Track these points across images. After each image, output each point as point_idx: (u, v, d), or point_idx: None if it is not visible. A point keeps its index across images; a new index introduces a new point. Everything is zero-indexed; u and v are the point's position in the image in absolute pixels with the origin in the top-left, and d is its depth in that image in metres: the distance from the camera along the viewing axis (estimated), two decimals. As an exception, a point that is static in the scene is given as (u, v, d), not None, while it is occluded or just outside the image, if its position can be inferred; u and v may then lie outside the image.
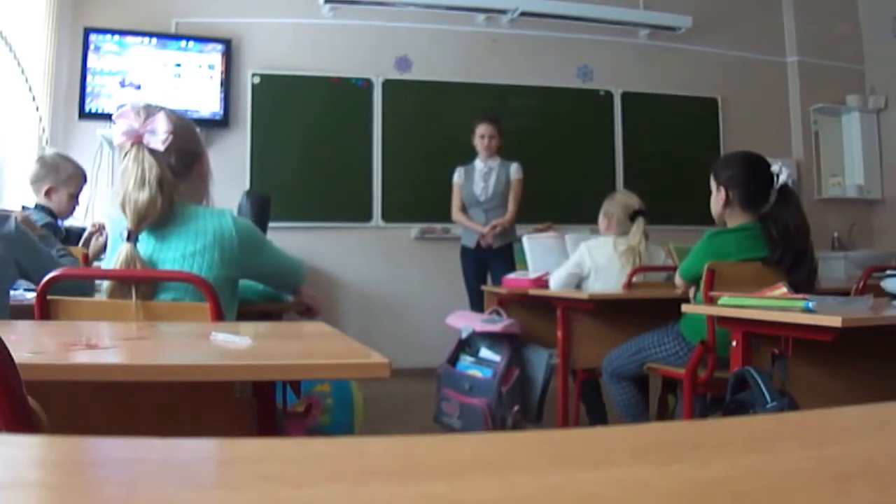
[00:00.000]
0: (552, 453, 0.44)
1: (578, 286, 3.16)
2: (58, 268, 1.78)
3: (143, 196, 1.62)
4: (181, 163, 1.72)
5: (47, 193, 2.80)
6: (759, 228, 2.46)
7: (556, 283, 3.15)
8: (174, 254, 1.64)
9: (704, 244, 2.57)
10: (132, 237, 1.64)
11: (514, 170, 4.34)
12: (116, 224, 1.69)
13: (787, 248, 2.40)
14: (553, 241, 3.67)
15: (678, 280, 2.69)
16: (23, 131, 4.24)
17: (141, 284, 1.63)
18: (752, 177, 2.50)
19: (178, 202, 1.69)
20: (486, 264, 4.32)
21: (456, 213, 4.45)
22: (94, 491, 0.35)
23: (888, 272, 2.34)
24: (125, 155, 1.67)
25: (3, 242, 1.77)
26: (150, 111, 1.68)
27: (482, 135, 4.31)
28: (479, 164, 4.38)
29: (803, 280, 2.35)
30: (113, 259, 1.66)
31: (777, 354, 1.94)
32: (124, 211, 1.64)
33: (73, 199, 2.87)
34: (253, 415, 1.20)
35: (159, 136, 1.64)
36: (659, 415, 3.14)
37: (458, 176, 4.43)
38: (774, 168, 2.46)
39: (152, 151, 1.65)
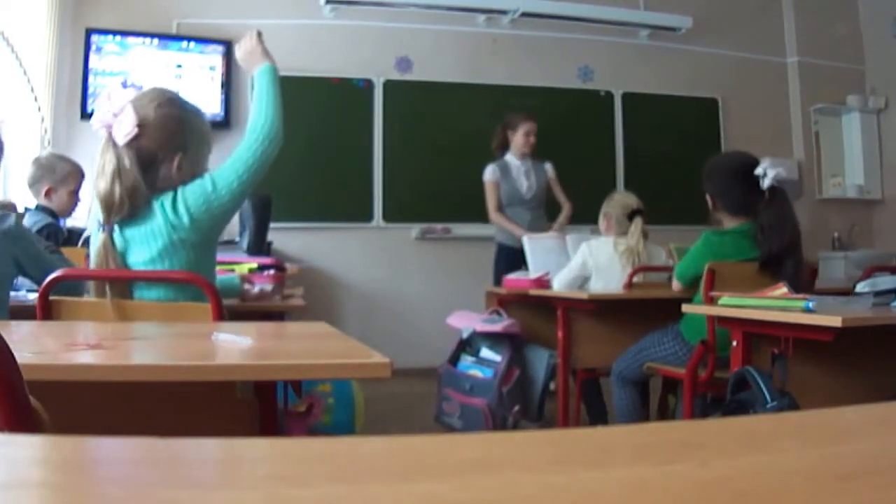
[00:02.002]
0: (553, 453, 0.44)
1: (581, 286, 3.16)
2: (57, 266, 1.80)
3: (102, 186, 1.63)
4: (142, 160, 1.67)
5: (47, 194, 2.81)
6: (755, 229, 2.47)
7: (561, 285, 3.15)
8: (141, 257, 1.65)
9: (701, 246, 2.57)
10: (105, 228, 1.65)
11: (550, 169, 4.34)
12: (97, 212, 1.70)
13: (770, 247, 2.42)
14: (553, 242, 3.67)
15: (674, 283, 2.69)
16: (25, 132, 4.24)
17: (118, 282, 1.64)
18: (733, 184, 2.51)
19: (153, 194, 1.67)
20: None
21: (496, 214, 4.26)
22: (95, 491, 0.35)
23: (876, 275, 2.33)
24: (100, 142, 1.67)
25: (1, 238, 1.78)
26: (124, 98, 1.65)
27: (527, 132, 4.22)
28: (514, 161, 4.27)
29: (789, 276, 2.36)
30: (92, 250, 1.67)
31: (777, 354, 1.94)
32: (97, 201, 1.65)
33: (74, 196, 2.88)
34: (254, 414, 1.20)
35: (122, 129, 1.62)
36: (659, 415, 3.14)
37: (494, 173, 4.25)
38: (758, 170, 2.45)
39: (115, 143, 1.64)
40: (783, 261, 2.42)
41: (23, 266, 1.85)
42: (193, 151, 1.77)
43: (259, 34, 1.94)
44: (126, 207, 1.63)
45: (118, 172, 1.62)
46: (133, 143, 1.64)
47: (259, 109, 1.82)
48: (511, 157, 4.29)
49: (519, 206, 4.25)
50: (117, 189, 1.61)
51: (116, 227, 1.66)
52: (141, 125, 1.63)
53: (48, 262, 1.85)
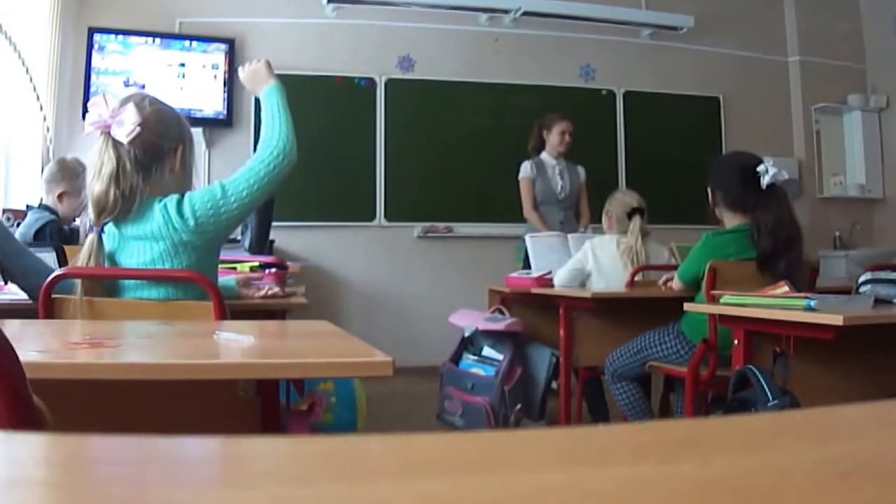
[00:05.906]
0: (554, 451, 0.44)
1: (583, 284, 3.16)
2: (34, 258, 1.79)
3: (97, 189, 1.64)
4: (148, 156, 1.68)
5: (59, 197, 2.81)
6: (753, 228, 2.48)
7: (560, 280, 3.16)
8: (142, 258, 1.64)
9: (701, 246, 2.58)
10: (95, 230, 1.66)
11: (583, 173, 4.33)
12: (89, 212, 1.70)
13: (765, 246, 2.43)
14: (555, 241, 3.67)
15: (676, 283, 2.69)
16: (27, 131, 4.25)
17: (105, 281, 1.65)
18: (733, 179, 2.53)
19: (146, 197, 1.67)
20: None
21: (531, 211, 4.25)
22: (98, 489, 0.35)
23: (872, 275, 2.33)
24: (96, 145, 1.67)
25: None
26: (123, 100, 1.66)
27: (563, 131, 4.21)
28: (549, 160, 4.26)
29: (783, 275, 2.36)
30: (82, 251, 1.68)
31: (779, 353, 1.94)
32: (90, 202, 1.66)
33: (79, 210, 2.90)
34: (257, 413, 1.21)
35: (125, 127, 1.63)
36: (661, 413, 3.14)
37: (530, 170, 4.24)
38: (761, 168, 2.46)
39: (116, 144, 1.64)
40: (778, 260, 2.43)
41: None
42: (189, 143, 1.81)
43: (267, 62, 1.95)
44: (118, 209, 1.64)
45: (116, 175, 1.63)
46: (136, 139, 1.64)
47: (273, 127, 1.82)
48: (546, 156, 4.28)
49: (552, 204, 4.25)
50: (112, 192, 1.63)
51: (114, 226, 1.67)
52: (142, 122, 1.64)
53: (26, 258, 1.84)
